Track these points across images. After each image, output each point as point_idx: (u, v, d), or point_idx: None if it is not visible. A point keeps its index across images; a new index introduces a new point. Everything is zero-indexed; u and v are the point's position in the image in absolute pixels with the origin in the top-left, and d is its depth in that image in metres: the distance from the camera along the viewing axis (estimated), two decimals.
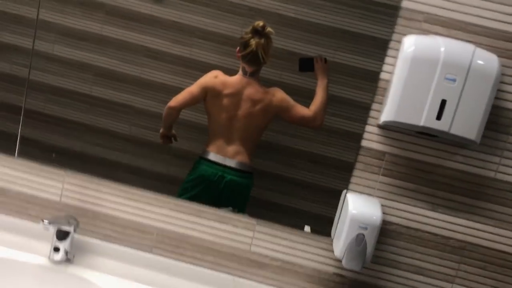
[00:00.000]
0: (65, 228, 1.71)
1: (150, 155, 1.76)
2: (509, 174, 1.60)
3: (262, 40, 1.56)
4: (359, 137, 1.64)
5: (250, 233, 1.79)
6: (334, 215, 1.71)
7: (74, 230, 1.74)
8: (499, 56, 1.53)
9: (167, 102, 1.73)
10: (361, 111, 1.64)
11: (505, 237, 1.63)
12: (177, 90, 1.72)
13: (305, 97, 1.61)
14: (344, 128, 1.66)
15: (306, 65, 1.60)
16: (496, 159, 1.59)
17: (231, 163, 1.65)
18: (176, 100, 1.63)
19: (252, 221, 1.80)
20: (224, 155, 1.63)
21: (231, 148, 1.64)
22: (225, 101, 1.62)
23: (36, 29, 1.79)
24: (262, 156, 1.71)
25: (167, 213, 1.80)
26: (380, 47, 1.61)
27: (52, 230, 1.68)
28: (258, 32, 1.56)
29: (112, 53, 1.75)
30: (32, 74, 1.80)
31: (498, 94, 1.57)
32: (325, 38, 1.64)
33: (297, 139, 1.68)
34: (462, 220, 1.63)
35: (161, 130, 1.71)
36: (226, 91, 1.60)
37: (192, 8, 1.70)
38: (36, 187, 1.84)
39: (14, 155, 1.84)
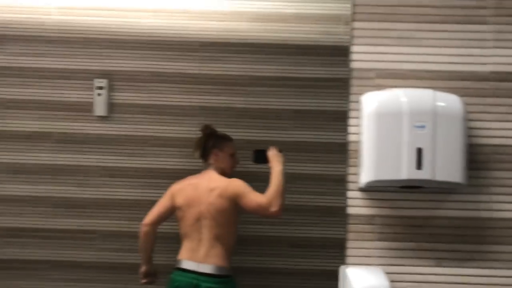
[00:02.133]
0: None
1: (125, 278, 1.60)
2: (504, 210, 1.50)
3: (197, 137, 1.61)
4: (338, 209, 1.52)
5: None
6: None
7: None
8: (458, 95, 1.51)
9: (135, 218, 1.63)
10: (335, 183, 1.56)
11: None
12: (142, 203, 1.62)
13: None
14: (320, 204, 1.60)
15: (260, 156, 1.59)
16: (486, 198, 1.49)
17: (205, 268, 1.54)
18: (149, 216, 1.58)
19: None
20: (197, 260, 1.55)
21: (202, 250, 1.56)
22: (188, 193, 1.58)
23: None
24: (241, 252, 1.61)
25: None
26: (336, 119, 1.58)
27: None
28: (202, 131, 1.62)
29: (67, 180, 1.64)
30: None
31: (469, 132, 1.49)
32: (280, 121, 1.62)
33: (274, 225, 1.60)
34: (471, 270, 1.49)
35: (141, 268, 1.59)
36: (188, 183, 1.59)
37: (141, 119, 1.65)
38: None
39: None
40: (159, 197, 1.62)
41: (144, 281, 1.60)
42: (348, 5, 1.56)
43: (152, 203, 1.61)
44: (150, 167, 1.63)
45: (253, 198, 1.54)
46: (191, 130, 1.63)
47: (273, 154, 1.58)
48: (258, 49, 1.64)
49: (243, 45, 1.64)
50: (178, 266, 1.56)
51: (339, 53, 1.58)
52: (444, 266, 1.49)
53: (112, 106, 1.65)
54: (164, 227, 1.61)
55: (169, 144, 1.64)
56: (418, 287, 1.48)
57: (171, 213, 1.60)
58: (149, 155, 1.63)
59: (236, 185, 1.57)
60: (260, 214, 1.55)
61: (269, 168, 1.57)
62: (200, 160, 1.62)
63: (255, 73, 1.64)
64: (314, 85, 1.63)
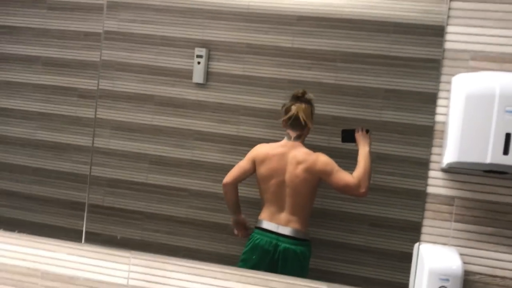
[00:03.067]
0: None
1: (208, 235, 1.69)
2: None
3: (303, 105, 1.55)
4: (419, 193, 1.52)
5: None
6: (406, 280, 1.54)
7: None
8: None
9: (221, 180, 1.69)
10: (420, 166, 1.54)
11: None
12: (228, 168, 1.68)
13: (354, 161, 1.55)
14: (402, 186, 1.56)
15: (348, 136, 1.58)
16: None
17: (284, 230, 1.57)
18: (229, 176, 1.62)
19: (323, 285, 1.62)
20: (277, 222, 1.57)
21: (284, 215, 1.58)
22: (272, 164, 1.59)
23: (94, 127, 1.80)
24: (320, 225, 1.62)
25: (234, 286, 1.66)
26: (427, 101, 1.54)
27: None
28: (298, 98, 1.56)
29: (164, 141, 1.74)
30: (92, 170, 1.79)
31: None
32: (370, 99, 1.59)
33: (355, 203, 1.59)
34: None
35: (231, 219, 1.66)
36: (273, 154, 1.58)
37: (234, 88, 1.70)
38: (103, 272, 1.76)
39: (81, 241, 1.80)
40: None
41: (236, 232, 1.65)
42: None
43: (232, 167, 1.65)
44: (239, 135, 1.67)
45: (342, 177, 1.53)
46: (278, 102, 1.63)
47: (361, 135, 1.56)
48: (353, 25, 1.62)
49: (339, 20, 1.62)
50: (259, 225, 1.60)
51: (437, 33, 1.54)
52: None
53: (209, 75, 1.70)
54: (246, 193, 1.64)
55: (257, 114, 1.66)
56: (491, 272, 1.45)
57: (250, 175, 1.62)
58: (239, 123, 1.67)
59: (325, 161, 1.56)
60: (347, 193, 1.54)
61: (355, 147, 1.54)
62: (284, 130, 1.59)
63: (347, 49, 1.61)
64: (408, 65, 1.58)
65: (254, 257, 1.62)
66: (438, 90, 1.53)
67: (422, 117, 1.56)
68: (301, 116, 1.55)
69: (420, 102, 1.56)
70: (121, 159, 1.77)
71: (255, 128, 1.67)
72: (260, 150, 1.61)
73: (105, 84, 1.79)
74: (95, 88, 1.80)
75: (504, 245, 1.45)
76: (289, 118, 1.56)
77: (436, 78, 1.54)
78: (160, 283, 1.72)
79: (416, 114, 1.57)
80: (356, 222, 1.60)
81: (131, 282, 1.75)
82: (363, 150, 1.54)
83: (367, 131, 1.56)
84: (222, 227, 1.68)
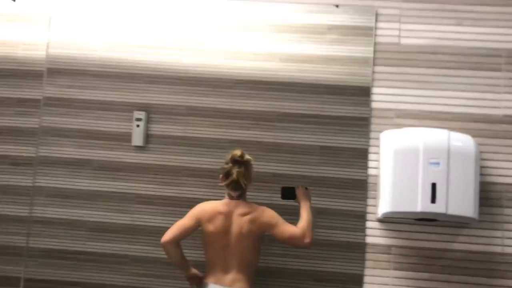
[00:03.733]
0: None
1: None
2: None
3: (242, 168, 1.55)
4: (358, 246, 1.57)
5: None
6: None
7: None
8: (472, 136, 1.57)
9: (155, 244, 1.64)
10: (355, 218, 1.60)
11: None
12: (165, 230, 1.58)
13: (296, 216, 1.56)
14: (342, 239, 1.60)
15: (288, 193, 1.61)
16: (499, 233, 1.53)
17: None
18: (168, 235, 1.55)
19: None
20: (223, 284, 1.53)
21: (229, 276, 1.55)
22: (219, 222, 1.56)
23: (32, 196, 1.73)
24: (265, 284, 1.63)
25: None
26: (358, 156, 1.62)
27: None
28: (237, 161, 1.56)
29: (103, 206, 1.71)
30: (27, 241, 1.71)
31: (481, 170, 1.57)
32: (306, 156, 1.66)
33: (299, 259, 1.63)
34: None
35: (185, 276, 1.60)
36: (219, 211, 1.56)
37: (174, 150, 1.71)
38: None
39: None
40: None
41: (192, 284, 1.61)
42: (369, 48, 1.66)
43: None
44: (181, 196, 1.67)
45: (287, 228, 1.53)
46: (220, 162, 1.65)
47: (301, 191, 1.60)
48: (288, 88, 1.70)
49: (274, 83, 1.70)
50: None
51: (364, 93, 1.64)
52: None
53: (149, 137, 1.71)
54: (190, 255, 1.64)
55: (198, 174, 1.68)
56: None
57: (192, 233, 1.58)
58: (181, 184, 1.68)
59: (270, 214, 1.56)
60: (292, 244, 1.54)
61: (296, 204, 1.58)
62: (223, 189, 1.56)
63: (284, 110, 1.69)
64: (340, 123, 1.66)
65: None
66: (368, 145, 1.63)
67: (356, 172, 1.63)
68: (242, 181, 1.56)
69: (353, 157, 1.63)
70: (58, 227, 1.71)
71: (197, 189, 1.68)
72: (205, 208, 1.59)
73: (41, 150, 1.75)
74: (27, 154, 1.75)
75: None
76: (231, 182, 1.56)
77: (366, 135, 1.64)
78: None
79: (350, 169, 1.64)
80: (301, 278, 1.61)
81: None
82: (305, 204, 1.57)
83: (306, 188, 1.61)
84: None
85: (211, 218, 1.57)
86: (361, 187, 1.62)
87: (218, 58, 1.73)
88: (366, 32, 1.69)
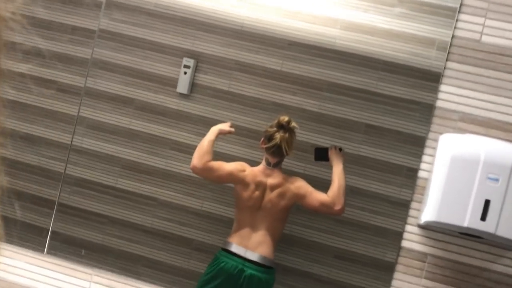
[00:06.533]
0: None
1: (172, 248, 1.64)
2: None
3: (286, 134, 1.51)
4: (390, 233, 1.50)
5: None
6: None
7: None
8: None
9: (192, 194, 1.65)
10: (392, 206, 1.52)
11: None
12: (202, 182, 1.63)
13: (327, 189, 1.51)
14: (372, 223, 1.54)
15: (321, 154, 1.56)
16: None
17: (252, 256, 1.53)
18: (199, 161, 1.56)
19: None
20: (246, 246, 1.53)
21: (254, 239, 1.54)
22: (254, 191, 1.55)
23: (75, 124, 1.74)
24: (286, 251, 1.59)
25: None
26: (413, 143, 1.53)
27: None
28: (283, 127, 1.52)
29: (139, 146, 1.69)
30: (63, 167, 1.73)
31: None
32: (350, 132, 1.57)
33: (322, 233, 1.57)
34: None
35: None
36: (253, 182, 1.55)
37: (218, 103, 1.66)
38: (63, 286, 1.67)
39: (43, 251, 1.72)
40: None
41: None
42: (444, 31, 1.50)
43: (211, 183, 1.62)
44: (217, 150, 1.62)
45: (317, 197, 1.51)
46: (261, 123, 1.61)
47: (334, 152, 1.55)
48: (343, 57, 1.60)
49: (329, 50, 1.60)
50: (226, 247, 1.56)
51: (424, 76, 1.54)
52: None
53: (194, 86, 1.67)
54: (215, 210, 1.62)
55: (238, 132, 1.63)
56: None
57: (222, 182, 1.58)
58: (219, 139, 1.62)
59: (300, 185, 1.54)
60: (323, 212, 1.52)
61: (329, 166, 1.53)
62: (262, 153, 1.55)
63: (335, 80, 1.60)
64: (392, 104, 1.57)
65: (216, 281, 1.55)
66: (425, 146, 1.52)
67: (401, 158, 1.54)
68: (284, 146, 1.51)
69: (402, 142, 1.55)
70: (94, 159, 1.71)
71: (235, 146, 1.64)
72: (242, 174, 1.57)
73: (89, 81, 1.74)
74: (75, 83, 1.73)
75: None
76: (272, 146, 1.53)
77: (422, 122, 1.53)
78: None
79: (393, 153, 1.55)
80: (322, 252, 1.58)
81: None
82: (337, 168, 1.53)
83: (340, 149, 1.55)
84: (187, 241, 1.63)
85: (246, 182, 1.55)
86: (401, 174, 1.52)
87: (276, 16, 1.63)
88: (446, 13, 1.53)
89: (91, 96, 1.73)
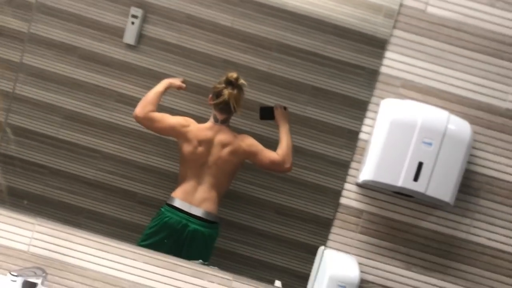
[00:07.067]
0: (33, 280, 1.51)
1: (115, 201, 1.63)
2: (479, 236, 1.55)
3: (235, 91, 1.53)
4: (330, 191, 1.57)
5: None
6: (307, 270, 1.60)
7: (42, 283, 1.54)
8: (470, 123, 1.55)
9: (137, 147, 1.63)
10: (332, 166, 1.58)
11: None
12: (147, 136, 1.61)
13: (275, 148, 1.56)
14: (314, 181, 1.60)
15: (267, 113, 1.57)
16: (468, 221, 1.54)
17: (196, 211, 1.56)
18: (141, 109, 1.58)
19: (228, 276, 1.64)
20: (190, 202, 1.56)
21: (199, 195, 1.57)
22: (197, 147, 1.57)
23: (17, 72, 1.64)
24: (229, 206, 1.62)
25: (141, 266, 1.61)
26: (356, 107, 1.58)
27: (19, 282, 1.51)
28: (231, 83, 1.53)
29: (82, 97, 1.63)
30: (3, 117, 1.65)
31: (470, 158, 1.55)
32: (298, 94, 1.59)
33: (264, 189, 1.61)
34: (436, 280, 1.55)
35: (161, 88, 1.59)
36: (199, 138, 1.56)
37: (166, 56, 1.62)
38: (3, 235, 1.63)
39: None
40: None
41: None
42: None
43: (156, 137, 1.60)
44: (165, 106, 1.60)
45: (268, 155, 1.54)
46: (210, 80, 1.59)
47: (280, 112, 1.57)
48: (294, 18, 1.60)
49: (281, 10, 1.60)
50: (170, 203, 1.57)
51: (370, 42, 1.57)
52: (412, 271, 1.55)
53: (141, 37, 1.62)
54: (160, 164, 1.61)
55: (187, 87, 1.60)
56: (384, 282, 1.57)
57: (166, 134, 1.57)
58: (167, 93, 1.61)
59: (250, 143, 1.56)
60: (272, 169, 1.55)
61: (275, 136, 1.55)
62: (210, 109, 1.55)
63: (284, 41, 1.60)
64: (338, 67, 1.60)
65: (159, 236, 1.59)
66: (367, 110, 1.59)
67: (343, 119, 1.59)
68: (232, 103, 1.53)
69: (343, 104, 1.58)
70: (35, 108, 1.64)
71: (182, 101, 1.62)
72: (185, 130, 1.57)
73: (33, 27, 1.65)
74: (18, 29, 1.64)
75: (397, 260, 1.56)
76: (220, 102, 1.54)
77: (365, 86, 1.56)
78: (64, 254, 1.63)
79: (337, 115, 1.59)
80: (264, 208, 1.62)
81: (32, 249, 1.65)
82: (284, 127, 1.56)
83: (284, 108, 1.57)
84: (131, 194, 1.63)
85: (187, 138, 1.55)
86: (343, 136, 1.58)
87: None
88: None
89: (36, 43, 1.65)
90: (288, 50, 1.62)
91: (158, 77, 1.62)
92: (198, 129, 1.56)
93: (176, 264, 1.63)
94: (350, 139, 1.59)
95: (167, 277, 1.63)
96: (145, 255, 1.64)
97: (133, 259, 1.64)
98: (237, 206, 1.63)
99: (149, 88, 1.61)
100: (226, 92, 1.52)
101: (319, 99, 1.61)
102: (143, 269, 1.63)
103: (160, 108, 1.63)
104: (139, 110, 1.56)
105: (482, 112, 1.54)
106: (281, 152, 1.54)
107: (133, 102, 1.63)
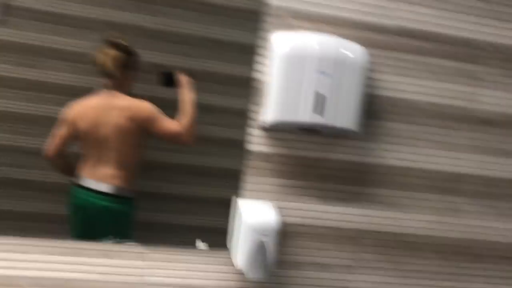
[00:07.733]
0: None
1: (12, 193, 1.49)
2: (388, 158, 1.59)
3: (112, 52, 1.43)
4: (238, 142, 1.54)
5: (141, 263, 1.56)
6: (225, 226, 1.57)
7: None
8: (365, 46, 1.54)
9: (27, 133, 1.50)
10: (237, 116, 1.55)
11: (394, 218, 1.61)
12: (37, 118, 1.50)
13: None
14: (222, 136, 1.56)
15: (167, 79, 1.48)
16: (375, 145, 1.58)
17: (104, 188, 1.49)
18: (51, 149, 1.45)
19: (140, 249, 1.57)
20: (97, 179, 1.48)
21: (104, 171, 1.49)
22: (91, 118, 1.47)
23: None
24: (144, 176, 1.54)
25: (39, 258, 1.50)
26: (247, 51, 1.53)
27: None
28: (110, 44, 1.44)
29: None
30: None
31: (369, 82, 1.55)
32: (191, 48, 1.53)
33: (175, 153, 1.55)
34: (354, 209, 1.60)
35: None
36: (90, 107, 1.46)
37: (39, 26, 1.49)
38: None
39: None
40: (52, 112, 1.50)
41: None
42: None
43: (45, 118, 1.49)
44: (46, 81, 1.49)
45: (167, 125, 1.47)
46: (92, 45, 1.49)
47: (184, 79, 1.50)
48: None
49: None
50: (77, 182, 1.50)
51: None
52: (330, 205, 1.59)
53: (8, 9, 1.48)
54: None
55: (66, 57, 1.50)
56: (304, 222, 1.58)
57: (75, 139, 1.49)
58: (46, 67, 1.50)
59: (147, 109, 1.47)
60: (172, 141, 1.49)
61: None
62: (96, 77, 1.47)
63: None
64: (227, 14, 1.55)
65: (74, 219, 1.50)
66: (258, 47, 1.54)
67: (241, 68, 1.55)
68: (107, 64, 1.44)
69: (240, 53, 1.54)
70: None
71: (64, 73, 1.50)
72: (73, 108, 1.47)
73: None
74: None
75: (315, 196, 1.58)
76: (97, 66, 1.44)
77: (255, 31, 1.54)
78: None
79: (233, 65, 1.55)
80: (182, 172, 1.57)
81: None
82: (187, 96, 1.49)
83: (191, 75, 1.51)
84: (26, 184, 1.50)
85: (83, 114, 1.46)
86: (243, 86, 1.54)
87: None
88: None
89: None
90: (172, 1, 1.54)
91: (34, 50, 1.49)
92: (86, 102, 1.47)
93: (79, 248, 1.53)
94: (249, 85, 1.55)
95: (72, 264, 1.53)
96: (40, 245, 1.52)
97: (24, 252, 1.52)
98: (149, 175, 1.56)
99: (25, 65, 1.49)
100: (101, 54, 1.43)
101: (215, 51, 1.55)
102: (42, 261, 1.52)
103: (41, 85, 1.50)
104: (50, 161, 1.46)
105: (374, 33, 1.54)
106: (183, 123, 1.47)
107: (9, 83, 1.50)
